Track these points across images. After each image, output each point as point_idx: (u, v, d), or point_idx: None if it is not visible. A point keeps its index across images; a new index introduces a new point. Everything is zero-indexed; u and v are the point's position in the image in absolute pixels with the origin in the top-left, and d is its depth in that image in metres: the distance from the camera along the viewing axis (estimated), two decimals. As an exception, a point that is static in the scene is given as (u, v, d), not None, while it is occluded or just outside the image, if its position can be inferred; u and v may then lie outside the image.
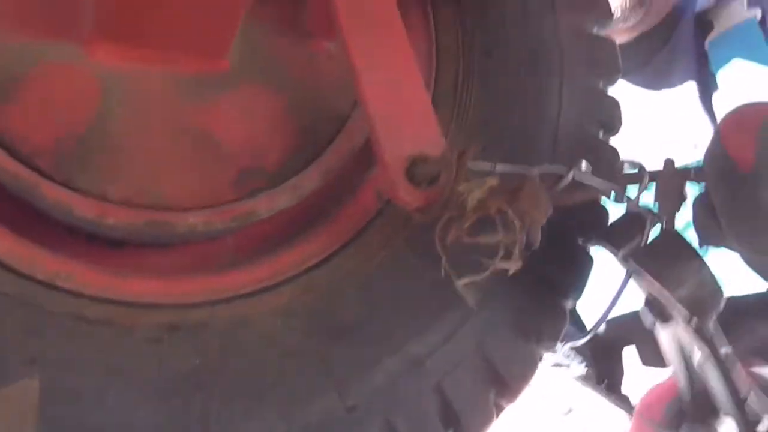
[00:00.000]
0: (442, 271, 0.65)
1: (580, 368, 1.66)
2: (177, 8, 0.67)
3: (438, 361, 0.72)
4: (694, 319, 0.73)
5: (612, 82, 0.87)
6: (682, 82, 1.74)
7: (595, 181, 0.73)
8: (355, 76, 0.69)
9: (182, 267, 0.71)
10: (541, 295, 0.77)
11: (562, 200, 0.71)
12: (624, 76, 1.79)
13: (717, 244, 0.74)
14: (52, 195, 0.67)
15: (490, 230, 0.65)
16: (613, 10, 1.58)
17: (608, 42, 0.87)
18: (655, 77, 1.76)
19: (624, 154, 1.69)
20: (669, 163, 0.75)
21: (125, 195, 0.69)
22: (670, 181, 0.74)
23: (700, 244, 0.75)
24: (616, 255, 0.77)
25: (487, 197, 0.65)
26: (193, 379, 0.66)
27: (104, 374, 0.64)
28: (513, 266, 0.65)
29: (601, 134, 0.85)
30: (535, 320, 0.76)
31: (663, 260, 0.74)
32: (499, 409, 0.76)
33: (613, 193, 0.75)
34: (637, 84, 1.77)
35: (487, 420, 0.74)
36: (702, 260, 0.74)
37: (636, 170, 0.76)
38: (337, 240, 0.74)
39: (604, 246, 0.79)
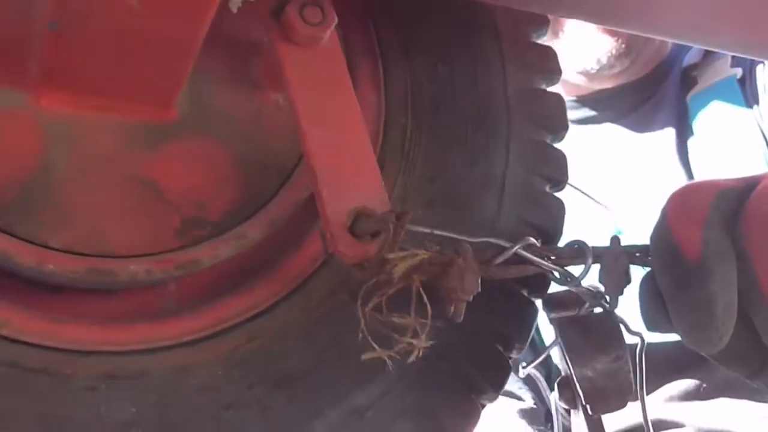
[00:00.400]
0: (359, 335, 0.65)
1: (529, 402, 1.66)
2: (125, 57, 0.67)
3: (379, 412, 0.72)
4: (587, 406, 0.73)
5: (559, 136, 0.88)
6: (661, 128, 1.78)
7: (537, 260, 0.72)
8: (300, 130, 0.70)
9: (123, 314, 0.71)
10: (483, 345, 0.78)
11: (499, 273, 0.71)
12: (610, 121, 1.85)
13: (666, 331, 0.71)
14: (-9, 241, 0.66)
15: (407, 307, 0.64)
16: (593, 61, 1.61)
17: (556, 97, 0.89)
18: (639, 124, 1.81)
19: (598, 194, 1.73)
20: (614, 241, 0.73)
21: (67, 242, 0.69)
22: (614, 261, 0.72)
23: (648, 330, 0.73)
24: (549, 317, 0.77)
25: (415, 269, 0.66)
26: (131, 429, 0.66)
27: (40, 424, 0.63)
28: (420, 347, 0.65)
29: (548, 188, 0.86)
30: (477, 372, 0.77)
31: (583, 334, 0.74)
32: (444, 460, 0.76)
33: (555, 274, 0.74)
34: (623, 126, 1.82)
35: (429, 473, 0.74)
36: (624, 354, 0.73)
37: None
38: (281, 289, 0.74)
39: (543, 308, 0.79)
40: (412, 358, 0.65)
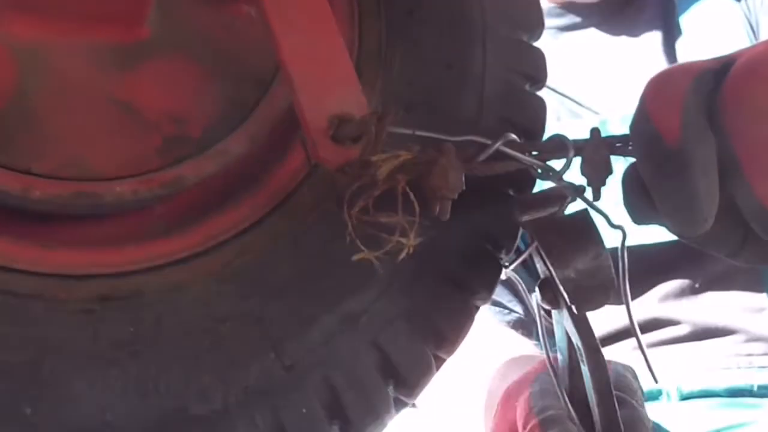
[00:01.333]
0: (347, 239, 0.66)
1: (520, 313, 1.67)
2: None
3: (373, 316, 0.73)
4: (572, 306, 0.74)
5: (536, 34, 0.88)
6: (648, 30, 1.78)
7: (518, 156, 0.72)
8: (273, 39, 0.70)
9: (112, 238, 0.71)
10: (474, 246, 0.78)
11: (481, 170, 0.71)
12: (594, 26, 1.84)
13: (650, 222, 0.72)
14: (-25, 172, 0.66)
15: (395, 207, 0.65)
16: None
17: (531, -4, 0.88)
18: (625, 26, 1.81)
19: (587, 100, 1.73)
20: (595, 133, 0.73)
21: (50, 168, 0.69)
22: (595, 152, 0.72)
23: (633, 220, 0.73)
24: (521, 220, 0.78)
25: (399, 170, 0.66)
26: (129, 347, 0.67)
27: (37, 348, 0.64)
28: (409, 245, 0.65)
29: (528, 87, 0.86)
30: (468, 272, 0.77)
31: (560, 236, 0.74)
32: (439, 361, 0.77)
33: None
34: (608, 32, 1.81)
35: (427, 371, 0.75)
36: (603, 251, 0.73)
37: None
38: (267, 203, 0.75)
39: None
40: (402, 257, 0.65)
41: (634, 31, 1.79)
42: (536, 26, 0.88)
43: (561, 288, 0.74)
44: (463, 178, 0.68)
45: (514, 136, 0.73)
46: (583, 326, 0.76)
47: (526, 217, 0.78)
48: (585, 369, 0.78)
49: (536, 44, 0.89)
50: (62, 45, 0.70)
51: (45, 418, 0.63)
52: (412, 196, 0.65)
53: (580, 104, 1.74)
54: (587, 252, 0.73)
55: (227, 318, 0.69)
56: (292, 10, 0.70)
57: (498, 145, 0.72)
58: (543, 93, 0.89)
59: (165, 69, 0.73)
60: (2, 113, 0.68)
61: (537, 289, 0.81)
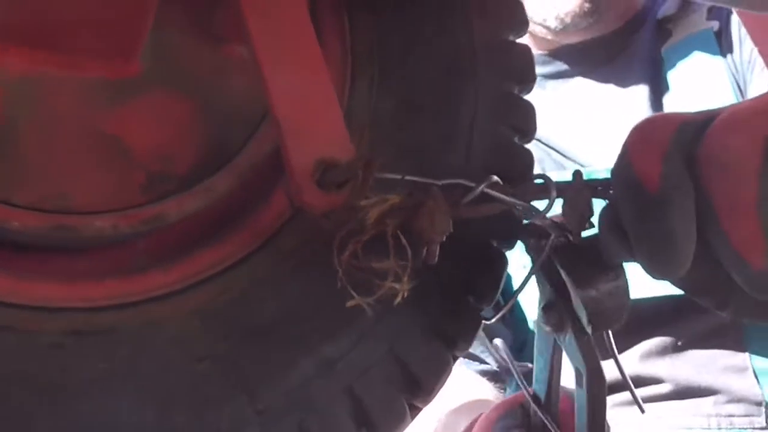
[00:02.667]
0: (338, 284, 0.66)
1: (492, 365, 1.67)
2: (84, 9, 0.67)
3: (350, 363, 0.72)
4: (589, 327, 0.74)
5: (527, 88, 0.88)
6: (635, 83, 1.79)
7: (502, 197, 0.73)
8: (263, 81, 0.70)
9: (90, 271, 0.71)
10: (454, 297, 0.78)
11: (468, 213, 0.72)
12: (581, 75, 1.85)
13: (624, 260, 0.73)
14: (-47, 201, 0.66)
15: (385, 252, 0.65)
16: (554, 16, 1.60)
17: (523, 48, 0.88)
18: (612, 77, 1.81)
19: (572, 151, 1.73)
20: (577, 175, 0.74)
21: (31, 199, 0.68)
22: (577, 195, 0.73)
23: (607, 260, 0.74)
24: (529, 246, 0.78)
25: (387, 214, 0.66)
26: (100, 384, 0.66)
27: (5, 381, 0.63)
28: (402, 289, 0.66)
29: (516, 139, 0.86)
30: (448, 323, 0.77)
31: (581, 257, 0.75)
32: (414, 411, 0.76)
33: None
34: (595, 80, 1.82)
35: (401, 421, 0.74)
36: (622, 272, 0.74)
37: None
38: (250, 243, 0.74)
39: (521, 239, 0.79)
40: (397, 302, 0.65)
41: (621, 82, 1.80)
42: (528, 80, 0.88)
43: (578, 307, 0.75)
44: (450, 222, 0.68)
45: (497, 178, 0.73)
46: (588, 349, 0.76)
47: (533, 242, 0.78)
48: (582, 393, 0.77)
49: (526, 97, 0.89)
50: (51, 77, 0.70)
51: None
52: (403, 240, 0.65)
53: (565, 155, 1.75)
54: (608, 272, 0.74)
55: (204, 357, 0.69)
56: (283, 53, 0.70)
57: (482, 187, 0.72)
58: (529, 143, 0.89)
59: (155, 105, 0.73)
60: None
61: (541, 312, 0.80)
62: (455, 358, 0.78)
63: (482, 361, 1.70)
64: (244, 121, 0.76)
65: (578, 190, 0.73)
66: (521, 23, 0.90)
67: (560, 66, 1.86)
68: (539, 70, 1.78)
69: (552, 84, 1.85)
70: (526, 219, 0.77)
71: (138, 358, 0.67)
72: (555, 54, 1.86)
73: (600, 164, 1.65)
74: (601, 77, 1.83)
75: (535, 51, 1.83)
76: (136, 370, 0.67)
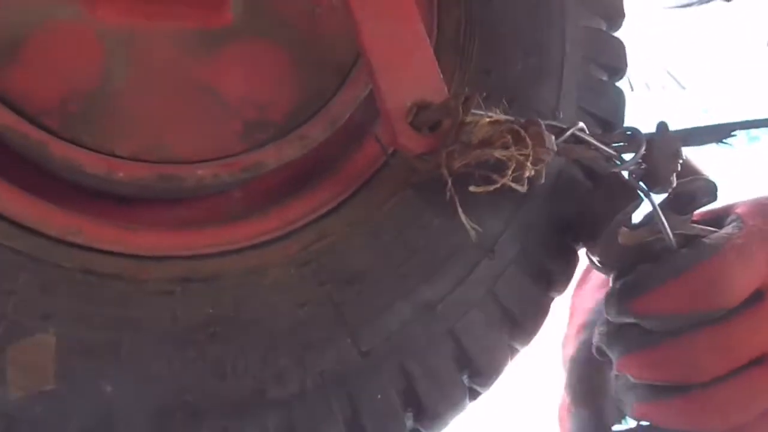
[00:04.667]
0: (447, 194, 0.66)
1: None
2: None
3: (449, 305, 0.72)
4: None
5: (616, 24, 0.87)
6: None
7: (592, 141, 0.72)
8: (355, 26, 0.70)
9: (191, 220, 0.72)
10: (555, 238, 0.78)
11: (561, 152, 0.71)
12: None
13: None
14: (60, 153, 0.67)
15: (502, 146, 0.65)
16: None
17: (611, -16, 0.87)
18: None
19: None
20: (662, 126, 0.74)
21: (133, 150, 0.70)
22: (665, 144, 0.73)
23: None
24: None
25: (493, 130, 0.65)
26: (207, 329, 0.67)
27: (117, 327, 0.65)
28: (525, 179, 0.66)
29: (606, 78, 0.85)
30: (546, 263, 0.77)
31: None
32: (514, 352, 0.76)
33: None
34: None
35: (502, 362, 0.74)
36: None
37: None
38: (345, 189, 0.75)
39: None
40: (524, 186, 0.65)
41: None
42: (617, 16, 0.86)
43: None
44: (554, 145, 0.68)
45: (583, 125, 0.73)
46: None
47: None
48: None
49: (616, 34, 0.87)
50: (146, 29, 0.71)
51: (124, 397, 0.63)
52: (522, 132, 0.65)
53: (673, 78, 1.69)
54: None
55: (305, 302, 0.69)
56: (374, -4, 0.70)
57: (573, 130, 0.72)
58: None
59: (247, 54, 0.74)
60: (88, 96, 0.69)
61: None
62: (553, 299, 0.78)
63: None
64: (336, 67, 0.76)
65: (666, 140, 0.73)
66: (609, -41, 0.88)
67: None
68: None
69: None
70: (611, 168, 0.76)
71: (242, 304, 0.68)
72: None
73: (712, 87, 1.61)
74: None
75: None
76: (240, 316, 0.68)
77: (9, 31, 0.68)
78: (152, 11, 0.70)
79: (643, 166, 0.74)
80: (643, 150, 0.73)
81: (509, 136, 0.67)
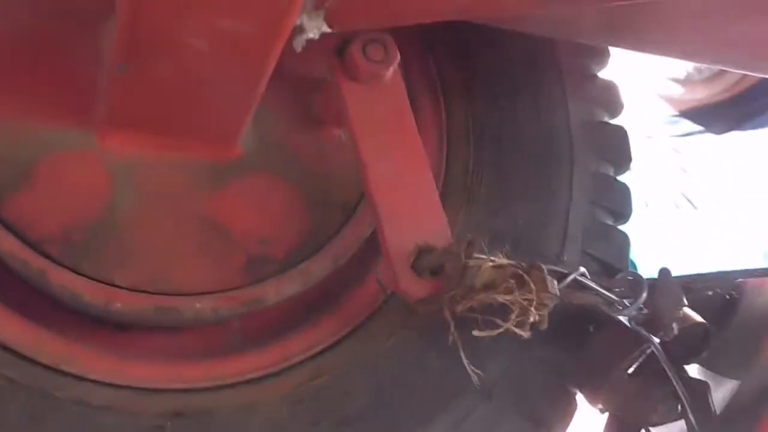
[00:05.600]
0: (450, 338, 0.65)
1: None
2: (191, 97, 0.68)
3: None
4: None
5: (623, 169, 0.87)
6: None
7: (595, 287, 0.72)
8: (362, 167, 0.70)
9: (188, 351, 0.72)
10: (550, 383, 0.77)
11: (565, 296, 0.71)
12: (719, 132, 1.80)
13: None
14: (59, 281, 0.67)
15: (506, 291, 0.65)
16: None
17: (619, 130, 0.88)
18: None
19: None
20: (664, 272, 0.75)
21: (133, 281, 0.70)
22: (667, 291, 0.74)
23: None
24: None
25: (497, 275, 0.65)
26: (196, 467, 0.66)
27: None
28: (528, 324, 0.65)
29: (611, 221, 0.85)
30: (545, 409, 0.75)
31: None
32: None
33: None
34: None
35: None
36: None
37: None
38: (344, 326, 0.74)
39: None
40: (527, 331, 0.64)
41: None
42: (624, 161, 0.87)
43: None
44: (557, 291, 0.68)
45: (584, 270, 0.72)
46: None
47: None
48: None
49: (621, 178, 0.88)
50: (155, 160, 0.71)
51: None
52: (526, 276, 0.65)
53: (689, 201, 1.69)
54: None
55: None
56: (382, 138, 0.71)
57: (574, 275, 0.71)
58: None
59: (255, 189, 0.74)
60: (91, 225, 0.69)
61: None
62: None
63: None
64: (342, 204, 0.77)
65: (668, 286, 0.73)
66: (617, 104, 0.89)
67: (694, 126, 1.82)
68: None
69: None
70: (613, 313, 0.76)
71: None
72: (686, 114, 1.82)
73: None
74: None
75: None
76: None
77: (18, 159, 0.69)
78: (162, 143, 0.71)
79: (644, 312, 0.74)
80: (644, 296, 0.73)
81: (512, 281, 0.67)
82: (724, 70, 1.70)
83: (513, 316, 0.65)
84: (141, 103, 0.67)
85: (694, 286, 0.76)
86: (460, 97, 0.83)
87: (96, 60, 0.70)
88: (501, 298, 0.65)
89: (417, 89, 0.81)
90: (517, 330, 0.66)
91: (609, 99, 0.89)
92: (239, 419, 0.68)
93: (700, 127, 1.80)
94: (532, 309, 0.66)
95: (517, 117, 0.83)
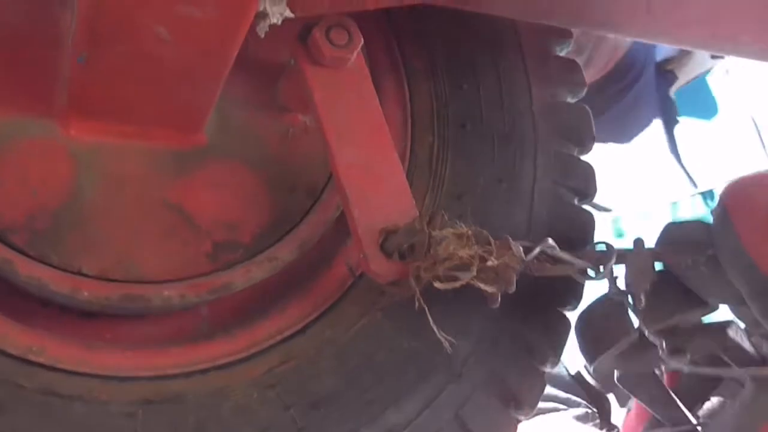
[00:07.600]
0: (416, 304, 0.66)
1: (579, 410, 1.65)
2: (153, 84, 0.68)
3: (416, 430, 0.72)
4: None
5: (586, 148, 0.88)
6: (638, 133, 1.76)
7: (565, 257, 0.73)
8: (329, 151, 0.71)
9: (156, 338, 0.71)
10: (518, 361, 0.77)
11: (536, 270, 0.72)
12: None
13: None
14: (26, 271, 0.67)
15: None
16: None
17: (581, 110, 0.88)
18: (611, 129, 1.77)
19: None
20: (639, 242, 0.75)
21: (100, 269, 0.69)
22: (639, 261, 0.75)
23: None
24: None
25: (460, 243, 0.66)
26: (168, 453, 0.66)
27: None
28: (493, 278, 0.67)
29: (576, 201, 0.86)
30: (512, 386, 0.76)
31: None
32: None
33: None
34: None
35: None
36: None
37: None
38: (313, 310, 0.74)
39: None
40: (492, 287, 0.67)
41: (621, 134, 1.78)
42: (587, 140, 0.88)
43: None
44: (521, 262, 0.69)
45: (552, 241, 0.73)
46: None
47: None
48: None
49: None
50: (119, 148, 0.71)
51: None
52: (485, 232, 0.67)
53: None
54: None
55: (267, 426, 0.69)
56: (348, 121, 0.71)
57: (540, 247, 0.72)
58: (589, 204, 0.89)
59: (220, 175, 0.74)
60: (56, 213, 0.69)
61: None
62: (519, 422, 0.78)
63: (576, 404, 1.67)
64: (308, 188, 0.77)
65: (640, 256, 0.75)
66: (579, 84, 0.90)
67: None
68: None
69: None
70: (586, 279, 0.77)
71: (203, 428, 0.67)
72: None
73: (628, 209, 1.63)
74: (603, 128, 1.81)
75: None
76: None
77: None
78: (125, 131, 0.70)
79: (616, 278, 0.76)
80: (613, 261, 0.74)
81: (476, 247, 0.68)
82: (590, 62, 1.73)
83: (474, 268, 0.66)
84: (103, 92, 0.67)
85: (666, 257, 0.77)
86: (424, 79, 0.83)
87: (57, 46, 0.69)
88: (462, 253, 0.66)
89: (381, 72, 0.81)
90: (482, 285, 0.66)
91: (571, 79, 0.89)
92: (210, 405, 0.68)
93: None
94: (493, 258, 0.66)
95: (481, 99, 0.84)
